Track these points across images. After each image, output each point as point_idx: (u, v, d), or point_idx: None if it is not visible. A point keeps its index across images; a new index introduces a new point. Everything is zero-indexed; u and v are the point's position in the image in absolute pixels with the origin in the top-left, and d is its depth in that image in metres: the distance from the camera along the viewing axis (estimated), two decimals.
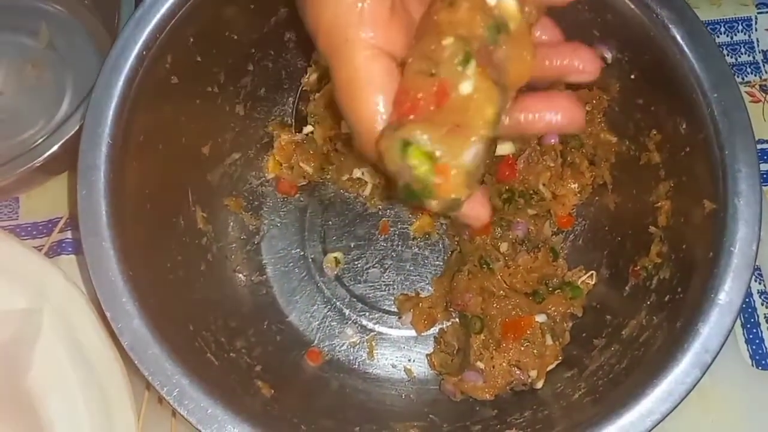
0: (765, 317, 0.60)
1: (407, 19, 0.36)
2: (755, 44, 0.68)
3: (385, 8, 0.34)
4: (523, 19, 0.34)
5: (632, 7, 0.50)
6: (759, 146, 0.55)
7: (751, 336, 0.59)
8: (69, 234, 0.61)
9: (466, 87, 0.33)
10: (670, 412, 0.42)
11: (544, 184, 0.58)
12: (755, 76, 0.67)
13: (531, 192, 0.58)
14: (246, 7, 0.54)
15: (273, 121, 0.62)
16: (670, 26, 0.49)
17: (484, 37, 0.33)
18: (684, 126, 0.49)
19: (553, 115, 0.37)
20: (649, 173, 0.53)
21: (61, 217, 0.62)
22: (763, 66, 0.67)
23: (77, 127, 0.55)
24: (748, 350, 0.59)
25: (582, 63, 0.38)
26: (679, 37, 0.48)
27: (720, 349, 0.43)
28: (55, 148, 0.55)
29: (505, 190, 0.58)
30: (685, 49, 0.48)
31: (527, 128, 0.37)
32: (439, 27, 0.34)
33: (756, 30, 0.68)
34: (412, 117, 0.33)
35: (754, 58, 0.68)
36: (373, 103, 0.34)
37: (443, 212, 0.35)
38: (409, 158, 0.32)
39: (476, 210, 0.36)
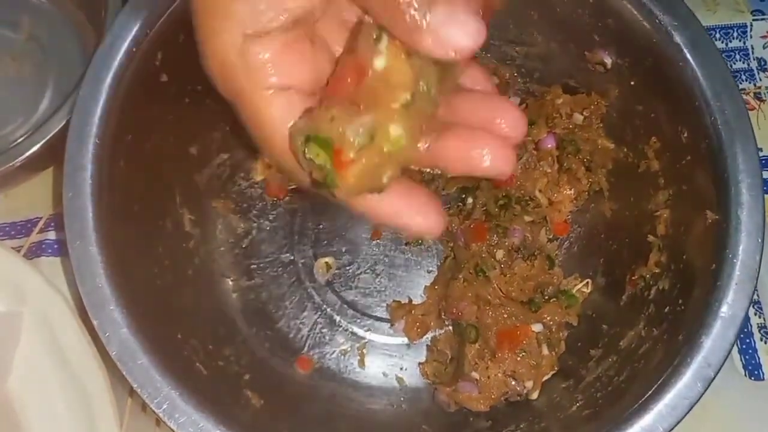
0: (758, 327, 0.60)
1: (316, 51, 0.33)
2: (750, 51, 0.68)
3: (274, 45, 0.32)
4: None
5: (634, 12, 0.49)
6: None
7: (744, 346, 0.59)
8: (49, 235, 0.59)
9: (379, 62, 0.31)
10: (673, 428, 0.41)
11: (540, 191, 0.57)
12: (750, 83, 0.67)
13: (527, 198, 0.57)
14: None
15: None
16: (673, 33, 0.48)
17: None
18: (685, 134, 0.49)
19: (480, 154, 0.33)
20: (647, 181, 0.53)
21: (41, 217, 0.60)
22: (758, 73, 0.67)
23: (61, 125, 0.53)
24: (741, 360, 0.59)
25: (505, 122, 0.34)
26: (682, 44, 0.48)
27: (723, 363, 0.42)
28: (37, 147, 0.53)
29: (501, 197, 0.57)
30: (688, 56, 0.48)
31: (444, 164, 0.34)
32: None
33: (751, 37, 0.68)
34: (330, 99, 0.31)
35: (748, 65, 0.68)
36: (281, 140, 0.32)
37: (354, 202, 0.33)
38: (310, 150, 0.30)
39: (396, 208, 0.33)
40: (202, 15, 0.32)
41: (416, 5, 0.29)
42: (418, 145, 0.33)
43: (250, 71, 0.31)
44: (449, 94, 0.33)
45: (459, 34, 0.29)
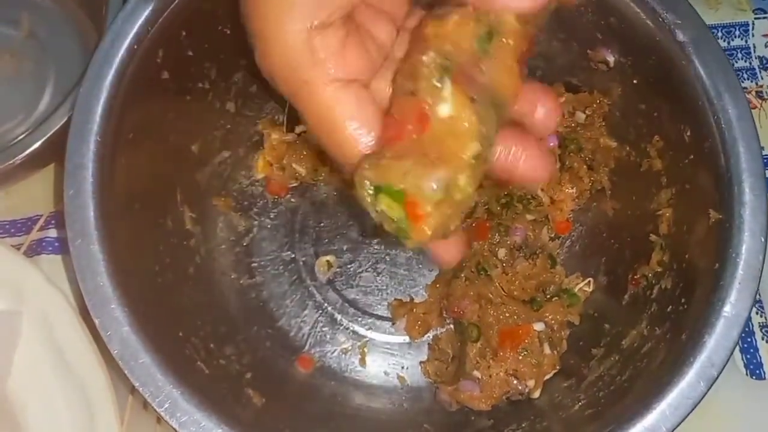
0: (759, 326, 0.59)
1: (368, 42, 0.34)
2: (752, 50, 0.68)
3: (336, 39, 0.32)
4: (519, 29, 0.33)
5: (637, 10, 0.49)
6: None
7: (745, 345, 0.59)
8: (49, 232, 0.59)
9: (443, 109, 0.31)
10: (676, 427, 0.41)
11: (542, 189, 0.57)
12: (752, 82, 0.67)
13: (529, 197, 0.57)
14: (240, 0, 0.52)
15: (264, 119, 0.61)
16: (676, 31, 0.48)
17: (472, 51, 0.32)
18: (688, 133, 0.49)
19: (518, 164, 0.35)
20: (649, 180, 0.53)
21: (41, 215, 0.60)
22: (760, 72, 0.67)
23: (61, 123, 0.53)
24: (742, 359, 0.59)
25: (543, 112, 0.36)
26: (685, 43, 0.47)
27: (726, 363, 0.42)
28: (37, 144, 0.53)
29: (503, 195, 0.57)
30: (691, 54, 0.47)
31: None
32: (426, 42, 0.32)
33: (753, 35, 0.68)
34: (394, 145, 0.31)
35: (750, 63, 0.67)
36: (350, 134, 0.32)
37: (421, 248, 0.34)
38: (380, 203, 0.31)
39: (446, 251, 0.35)
40: (262, 7, 0.33)
41: None
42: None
43: (317, 64, 0.32)
44: (500, 129, 0.33)
45: None
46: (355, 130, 0.33)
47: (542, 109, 0.35)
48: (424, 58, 0.32)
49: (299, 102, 0.33)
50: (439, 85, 0.31)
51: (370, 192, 0.31)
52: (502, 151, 0.35)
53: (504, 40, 0.32)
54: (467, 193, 0.31)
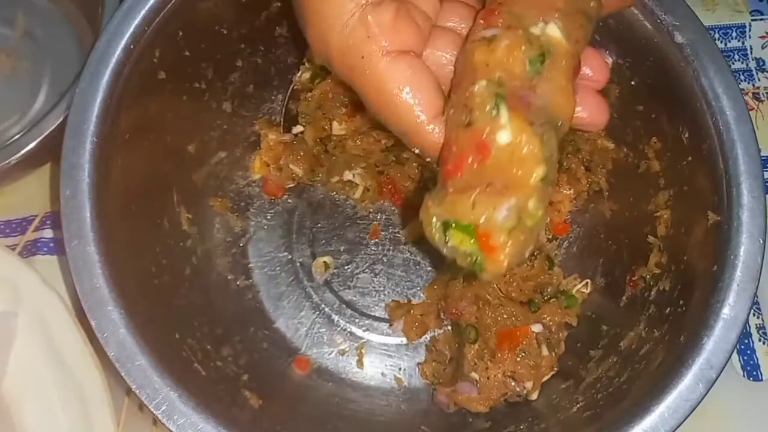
0: (757, 328, 0.59)
1: (415, 14, 0.36)
2: (749, 51, 0.68)
3: (389, 13, 0.34)
4: (570, 48, 0.33)
5: (635, 12, 0.49)
6: None
7: (742, 347, 0.59)
8: (45, 233, 0.59)
9: (503, 137, 0.31)
10: (674, 430, 0.41)
11: None
12: (748, 83, 0.67)
13: None
14: (237, 0, 0.52)
15: (260, 119, 0.60)
16: (674, 33, 0.48)
17: (524, 75, 0.32)
18: (686, 135, 0.49)
19: (579, 110, 0.36)
20: (647, 181, 0.53)
21: (37, 215, 0.60)
22: (757, 74, 0.67)
23: (57, 122, 0.53)
24: (739, 361, 0.59)
25: (592, 71, 0.38)
26: (683, 45, 0.47)
27: (725, 365, 0.42)
28: (33, 144, 0.53)
29: None
30: (690, 56, 0.47)
31: None
32: (476, 71, 0.32)
33: (750, 37, 0.68)
34: (456, 179, 0.31)
35: (747, 65, 0.67)
36: (408, 103, 0.34)
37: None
38: (451, 239, 0.31)
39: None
40: None
41: None
42: None
43: (371, 39, 0.33)
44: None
45: None
46: (412, 97, 0.34)
47: (588, 69, 0.37)
48: (476, 88, 0.32)
49: (357, 78, 0.35)
50: (495, 112, 0.31)
51: (439, 229, 0.31)
52: None
53: (556, 60, 0.32)
54: (538, 217, 0.31)
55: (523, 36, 0.32)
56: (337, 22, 0.34)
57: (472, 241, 0.30)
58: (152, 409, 0.41)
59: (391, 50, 0.34)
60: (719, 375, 0.42)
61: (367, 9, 0.33)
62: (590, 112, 0.37)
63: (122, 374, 0.41)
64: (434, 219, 0.31)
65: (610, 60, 0.53)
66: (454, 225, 0.31)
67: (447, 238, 0.31)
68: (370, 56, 0.34)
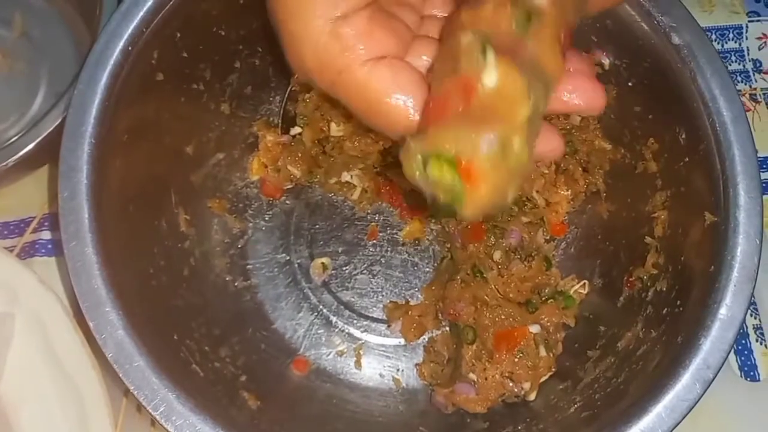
0: (754, 328, 0.60)
1: (393, 22, 0.35)
2: (745, 53, 0.68)
3: (362, 22, 0.33)
4: (555, 13, 0.32)
5: (632, 13, 0.49)
6: None
7: (739, 347, 0.59)
8: (43, 234, 0.59)
9: (489, 78, 0.30)
10: (672, 430, 0.41)
11: (537, 191, 0.57)
12: (745, 84, 0.67)
13: (524, 199, 0.57)
14: (235, 2, 0.52)
15: (258, 120, 0.60)
16: (671, 34, 0.48)
17: (511, 32, 0.31)
18: (683, 136, 0.49)
19: (574, 96, 0.36)
20: (644, 182, 0.53)
21: (34, 217, 0.60)
22: (754, 75, 0.67)
23: (55, 124, 0.52)
24: (737, 361, 0.59)
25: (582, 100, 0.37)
26: (680, 46, 0.48)
27: (722, 365, 0.42)
28: (31, 146, 0.53)
29: None
30: (687, 57, 0.47)
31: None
32: (463, 29, 0.32)
33: (747, 38, 0.68)
34: (439, 121, 0.31)
35: (744, 66, 0.68)
36: (396, 105, 0.34)
37: (491, 213, 0.33)
38: (431, 170, 0.30)
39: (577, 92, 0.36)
40: (287, 9, 0.34)
41: None
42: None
43: (347, 50, 0.33)
44: (548, 107, 0.33)
45: None
46: (400, 99, 0.33)
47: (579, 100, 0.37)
48: (463, 38, 0.31)
49: (339, 91, 0.34)
50: (481, 58, 0.30)
51: (419, 164, 0.30)
52: (560, 95, 0.36)
53: (542, 22, 0.32)
54: (523, 160, 0.30)
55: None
56: (310, 39, 0.33)
57: (453, 172, 0.30)
58: (150, 410, 0.41)
59: (368, 58, 0.33)
60: (716, 375, 0.42)
61: (338, 23, 0.33)
62: (585, 98, 0.36)
63: (120, 375, 0.41)
64: (415, 154, 0.30)
65: (607, 61, 0.53)
66: (435, 156, 0.30)
67: (428, 170, 0.30)
68: (349, 68, 0.33)
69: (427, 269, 0.60)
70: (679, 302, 0.47)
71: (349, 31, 0.33)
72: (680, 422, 0.42)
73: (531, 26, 0.32)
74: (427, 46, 0.36)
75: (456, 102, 0.31)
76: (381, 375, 0.57)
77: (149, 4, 0.46)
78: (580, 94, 0.36)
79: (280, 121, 0.60)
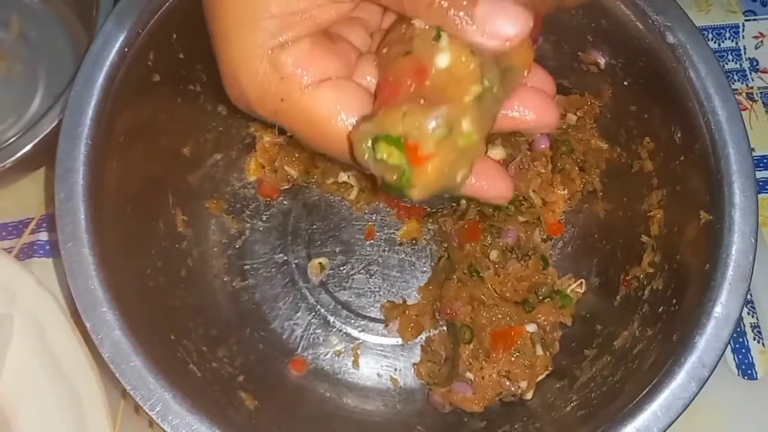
0: (751, 327, 0.60)
1: (339, 44, 0.34)
2: (742, 52, 0.68)
3: (302, 49, 0.32)
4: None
5: (627, 12, 0.49)
6: None
7: (737, 345, 0.59)
8: (41, 236, 0.59)
9: (442, 59, 0.30)
10: (667, 428, 0.41)
11: (534, 191, 0.57)
12: (742, 83, 0.67)
13: (521, 198, 0.57)
14: None
15: (255, 121, 0.60)
16: (666, 33, 0.48)
17: None
18: (679, 135, 0.49)
19: (525, 112, 0.35)
20: (640, 181, 0.53)
21: (33, 218, 0.60)
22: (750, 74, 0.67)
23: (53, 125, 0.53)
24: (734, 360, 0.59)
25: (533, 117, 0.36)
26: (675, 45, 0.48)
27: (717, 363, 0.42)
28: (28, 147, 0.53)
29: None
30: (682, 57, 0.48)
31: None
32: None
33: (743, 37, 0.68)
34: (390, 103, 0.31)
35: (741, 65, 0.68)
36: (343, 127, 0.32)
37: (436, 196, 0.32)
38: (379, 151, 0.30)
39: (488, 183, 0.34)
40: (230, 34, 0.33)
41: (460, 4, 0.30)
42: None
43: (286, 78, 0.32)
44: (511, 94, 0.33)
45: (505, 22, 0.30)
46: (343, 120, 0.32)
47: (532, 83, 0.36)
48: (416, 21, 0.31)
49: (284, 119, 0.33)
50: (435, 40, 0.30)
51: (368, 145, 0.30)
52: (509, 111, 0.35)
53: None
54: (472, 140, 0.30)
55: None
56: (249, 68, 0.32)
57: (400, 153, 0.30)
58: (147, 410, 0.41)
59: (309, 83, 0.32)
60: (711, 373, 0.42)
61: (275, 51, 0.32)
62: (537, 115, 0.35)
63: (117, 375, 0.41)
64: (365, 136, 0.30)
65: (603, 60, 0.54)
66: (383, 138, 0.30)
67: (376, 151, 0.30)
68: (290, 96, 0.32)
69: (424, 269, 0.60)
70: (674, 301, 0.47)
71: (289, 59, 0.32)
72: (676, 420, 0.42)
73: None
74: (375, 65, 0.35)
75: (407, 84, 0.31)
76: (379, 374, 0.57)
77: (145, 5, 0.47)
78: (532, 110, 0.35)
79: None
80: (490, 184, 0.35)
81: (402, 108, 0.30)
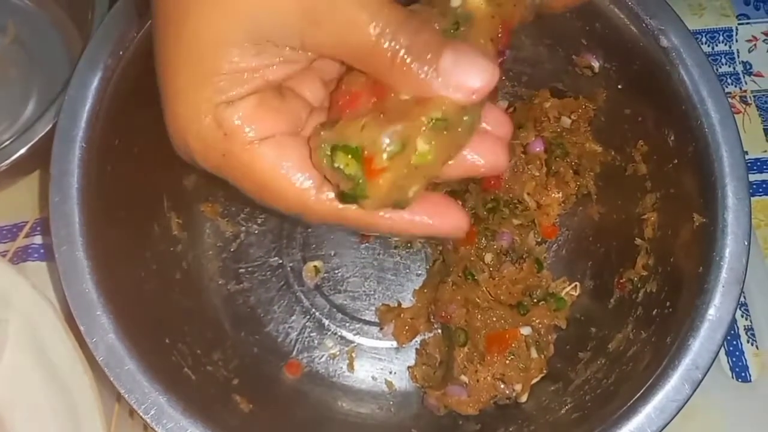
0: (745, 329, 0.60)
1: (288, 98, 0.33)
2: (735, 55, 0.68)
3: (248, 106, 0.32)
4: (489, 11, 0.32)
5: (621, 16, 0.50)
6: None
7: (731, 348, 0.59)
8: (35, 239, 0.59)
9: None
10: (661, 430, 0.42)
11: (528, 194, 0.57)
12: (735, 87, 0.67)
13: (515, 201, 0.57)
14: None
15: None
16: (659, 37, 0.48)
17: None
18: (672, 138, 0.49)
19: (476, 157, 0.34)
20: (635, 184, 0.53)
21: (27, 221, 0.60)
22: (744, 77, 0.68)
23: (47, 129, 0.53)
24: (728, 362, 0.59)
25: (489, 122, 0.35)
26: (668, 48, 0.48)
27: (710, 366, 0.43)
28: (23, 150, 0.53)
29: (490, 200, 0.57)
30: (675, 60, 0.48)
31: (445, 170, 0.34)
32: None
33: (737, 41, 0.69)
34: (351, 114, 0.31)
35: (734, 69, 0.68)
36: (285, 185, 0.32)
37: (384, 210, 0.32)
38: (336, 160, 0.30)
39: (432, 214, 0.33)
40: (178, 86, 0.33)
41: (424, 58, 0.30)
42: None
43: (229, 134, 0.31)
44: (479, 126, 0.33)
45: (470, 75, 0.30)
46: (284, 178, 0.32)
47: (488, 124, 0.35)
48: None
49: (225, 174, 0.33)
50: None
51: (327, 153, 0.31)
52: (462, 158, 0.34)
53: (473, 23, 0.32)
54: (426, 160, 0.31)
55: (435, 12, 0.32)
56: (194, 124, 0.32)
57: (357, 164, 0.30)
58: (141, 414, 0.41)
59: (252, 139, 0.32)
60: (705, 375, 0.42)
61: (220, 108, 0.31)
62: (486, 160, 0.34)
63: (111, 379, 0.41)
64: (323, 144, 0.31)
65: (597, 64, 0.54)
66: (341, 147, 0.30)
67: (333, 159, 0.30)
68: (231, 151, 0.32)
69: (419, 272, 0.60)
70: (668, 303, 0.47)
71: (234, 115, 0.31)
72: (670, 422, 0.42)
73: (460, 31, 0.32)
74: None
75: (368, 98, 0.31)
76: (373, 378, 0.57)
77: (140, 9, 0.47)
78: (483, 156, 0.34)
79: None
80: (438, 219, 0.34)
81: (362, 120, 0.30)
